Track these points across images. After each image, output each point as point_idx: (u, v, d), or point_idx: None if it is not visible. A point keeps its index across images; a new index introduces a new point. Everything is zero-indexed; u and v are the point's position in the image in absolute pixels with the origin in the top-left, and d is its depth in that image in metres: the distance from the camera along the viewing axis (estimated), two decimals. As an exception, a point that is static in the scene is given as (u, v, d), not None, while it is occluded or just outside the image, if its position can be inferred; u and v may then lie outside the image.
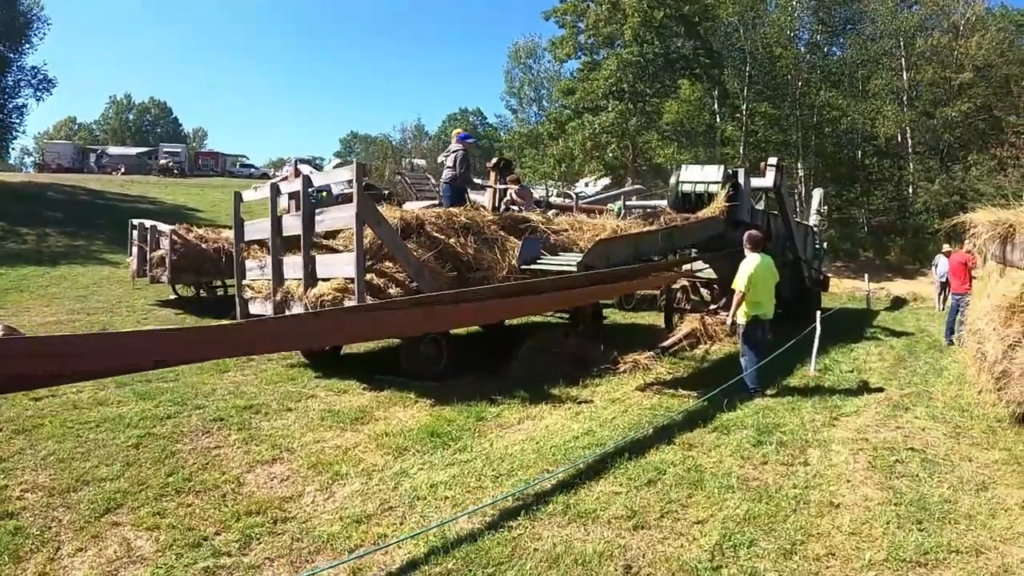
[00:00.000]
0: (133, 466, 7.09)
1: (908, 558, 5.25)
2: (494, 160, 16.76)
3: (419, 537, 5.53)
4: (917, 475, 6.97)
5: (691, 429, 8.37)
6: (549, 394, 10.06)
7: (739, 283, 10.37)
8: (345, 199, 13.79)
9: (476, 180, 13.82)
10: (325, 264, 11.03)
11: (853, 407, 9.65)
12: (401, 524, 5.87)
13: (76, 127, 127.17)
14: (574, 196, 23.29)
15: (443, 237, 11.28)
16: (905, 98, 46.72)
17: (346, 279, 10.50)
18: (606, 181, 46.73)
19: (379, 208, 10.92)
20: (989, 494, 6.52)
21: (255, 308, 12.62)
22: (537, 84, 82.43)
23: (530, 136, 60.99)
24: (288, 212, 13.01)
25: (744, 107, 47.50)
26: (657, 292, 18.60)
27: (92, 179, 55.34)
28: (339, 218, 10.89)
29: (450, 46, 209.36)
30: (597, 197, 28.28)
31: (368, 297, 10.18)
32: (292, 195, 12.25)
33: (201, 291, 20.55)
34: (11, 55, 51.57)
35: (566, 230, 13.13)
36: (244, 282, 13.14)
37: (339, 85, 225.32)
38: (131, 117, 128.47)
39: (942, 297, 24.18)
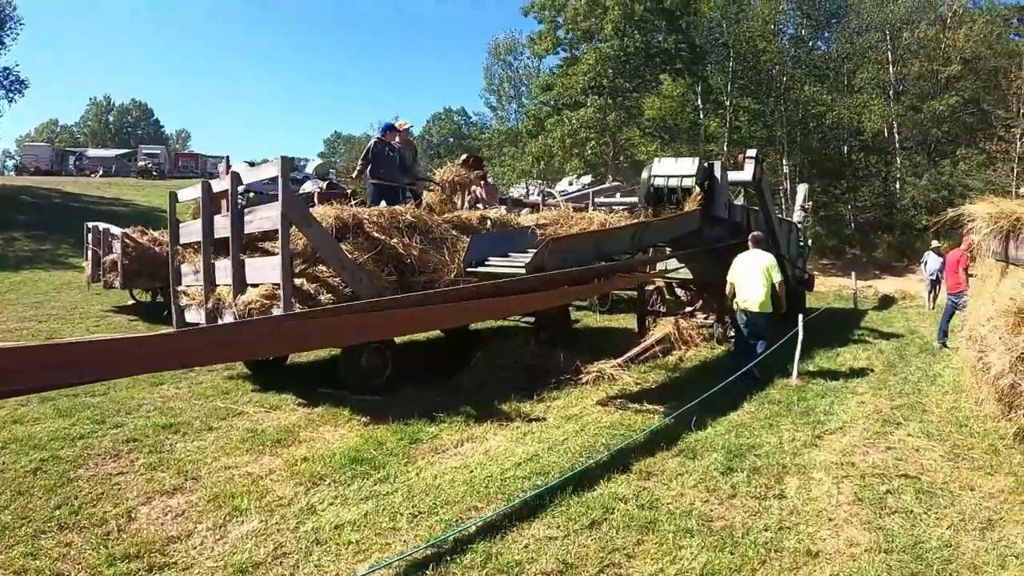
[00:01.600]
0: (24, 496, 6.29)
1: (901, 631, 4.22)
2: (463, 157, 16.11)
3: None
4: (911, 510, 5.92)
5: (652, 453, 7.33)
6: (498, 410, 9.05)
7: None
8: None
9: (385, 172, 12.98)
10: (254, 268, 10.04)
11: (838, 422, 8.64)
12: (291, 576, 4.92)
13: (58, 129, 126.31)
14: (545, 195, 22.39)
15: (384, 237, 10.28)
16: (892, 92, 46.17)
17: (273, 285, 9.50)
18: (588, 179, 45.82)
19: (309, 207, 10.15)
20: (996, 535, 5.49)
21: (191, 316, 11.68)
22: (517, 81, 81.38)
23: (509, 134, 60.29)
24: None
25: (728, 103, 46.64)
26: (634, 294, 17.68)
27: (69, 182, 54.59)
28: (267, 218, 9.86)
29: (435, 46, 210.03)
30: (572, 195, 27.38)
31: (296, 304, 9.23)
32: (221, 194, 11.28)
33: (158, 296, 19.53)
34: (-18, 56, 50.54)
35: (550, 225, 12.34)
36: (180, 288, 12.15)
37: (323, 86, 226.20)
38: (111, 119, 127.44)
39: (932, 295, 23.39)
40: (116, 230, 19.16)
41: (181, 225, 12.40)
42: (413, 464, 7.13)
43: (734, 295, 11.35)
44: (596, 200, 19.55)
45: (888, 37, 46.25)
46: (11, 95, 52.61)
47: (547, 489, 6.22)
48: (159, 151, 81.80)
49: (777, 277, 11.08)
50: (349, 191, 18.01)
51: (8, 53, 54.02)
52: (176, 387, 10.35)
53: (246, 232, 10.29)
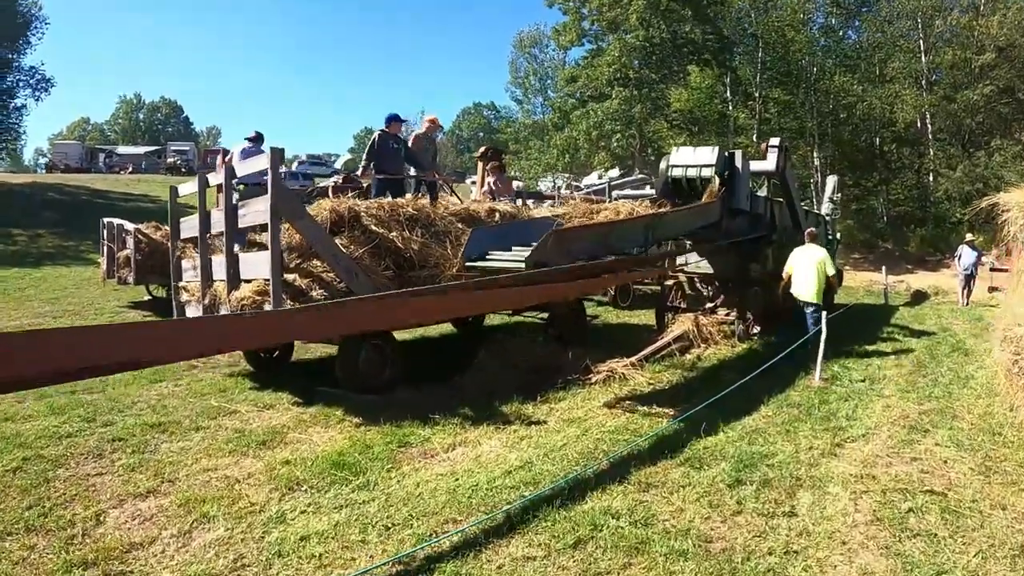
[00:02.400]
0: (-2, 495, 6.03)
1: None
2: (482, 149, 15.83)
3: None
4: (935, 534, 5.33)
5: (655, 462, 6.78)
6: (498, 412, 8.57)
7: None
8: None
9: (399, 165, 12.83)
10: (247, 263, 9.70)
11: (861, 429, 8.04)
12: (245, 590, 4.55)
13: (89, 127, 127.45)
14: (561, 188, 22.01)
15: (382, 231, 9.83)
16: (924, 82, 45.18)
17: (265, 280, 9.11)
18: (615, 172, 45.30)
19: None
20: (1032, 564, 4.89)
21: (191, 312, 11.32)
22: (542, 74, 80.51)
23: (535, 127, 59.89)
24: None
25: (757, 94, 45.87)
26: (657, 288, 17.15)
27: (98, 179, 54.99)
28: (259, 211, 9.44)
29: (467, 41, 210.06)
30: (595, 188, 26.95)
31: (288, 301, 8.85)
32: (219, 187, 10.92)
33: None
34: (10, 55, 51.21)
35: (573, 216, 12.06)
36: (180, 284, 11.88)
37: (355, 83, 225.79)
38: (141, 116, 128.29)
39: (965, 291, 22.61)
40: (130, 226, 18.88)
41: (182, 220, 12.09)
42: (397, 470, 6.70)
43: (790, 284, 12.72)
44: (617, 192, 19.09)
45: (920, 25, 45.27)
46: (37, 93, 53.50)
47: (533, 501, 5.72)
48: (188, 147, 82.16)
49: (831, 271, 12.65)
50: (365, 185, 17.69)
51: (34, 52, 54.62)
52: (175, 384, 10.12)
53: (240, 226, 9.96)
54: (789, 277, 12.69)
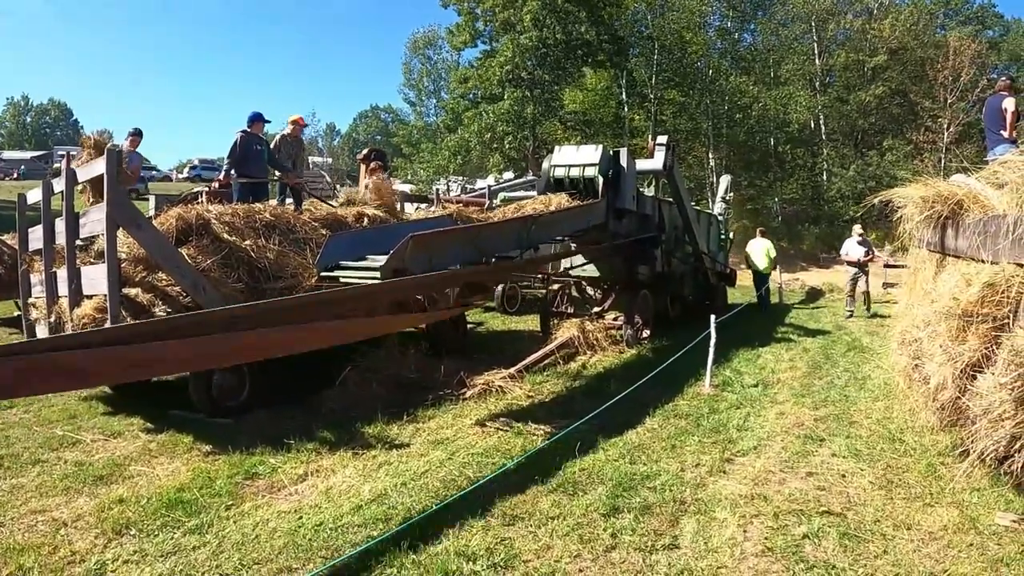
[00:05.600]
0: None
1: None
2: (364, 152, 15.09)
3: None
4: (834, 564, 4.68)
5: (524, 488, 6.05)
6: (359, 435, 7.77)
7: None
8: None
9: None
10: (88, 278, 8.74)
11: (753, 440, 7.45)
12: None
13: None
14: (438, 191, 21.48)
15: (234, 239, 9.03)
16: (818, 84, 46.40)
17: (104, 296, 8.19)
18: (510, 174, 44.88)
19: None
20: (941, 597, 4.28)
21: (40, 332, 10.20)
22: (436, 76, 79.96)
23: (428, 130, 59.39)
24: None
25: (652, 95, 45.96)
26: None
27: (-21, 185, 52.68)
28: (97, 220, 8.54)
29: (364, 45, 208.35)
30: (479, 191, 26.47)
31: (127, 318, 7.98)
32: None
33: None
34: None
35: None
36: (30, 301, 10.76)
37: (254, 85, 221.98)
38: (28, 119, 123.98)
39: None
40: (-11, 236, 17.46)
41: (31, 230, 10.90)
42: (238, 508, 5.86)
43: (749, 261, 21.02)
44: (506, 195, 18.61)
45: (814, 28, 46.48)
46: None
47: (378, 544, 4.92)
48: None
49: (773, 254, 20.92)
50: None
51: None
52: (25, 411, 9.06)
53: (81, 236, 9.08)
54: (748, 257, 21.20)
